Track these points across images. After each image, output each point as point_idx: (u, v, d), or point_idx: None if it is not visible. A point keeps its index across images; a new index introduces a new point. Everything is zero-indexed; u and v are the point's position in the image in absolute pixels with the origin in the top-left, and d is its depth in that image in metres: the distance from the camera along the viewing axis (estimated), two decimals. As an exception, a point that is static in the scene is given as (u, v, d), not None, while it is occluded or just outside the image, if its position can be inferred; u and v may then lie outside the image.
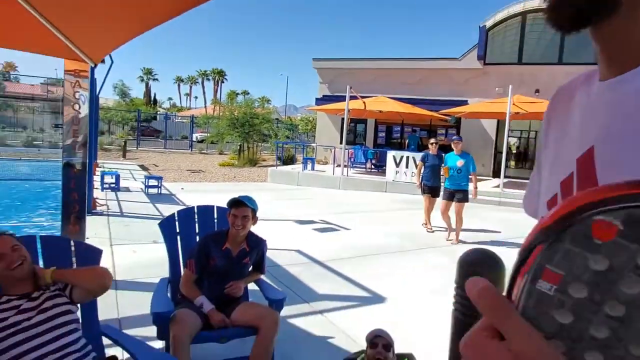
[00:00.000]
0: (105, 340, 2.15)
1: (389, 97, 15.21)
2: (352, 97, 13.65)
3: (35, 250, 2.01)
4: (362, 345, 2.34)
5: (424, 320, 3.85)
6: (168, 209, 8.17)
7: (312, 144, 21.10)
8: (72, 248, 2.30)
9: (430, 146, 7.47)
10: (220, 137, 20.94)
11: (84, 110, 4.25)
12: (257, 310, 2.53)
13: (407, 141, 16.68)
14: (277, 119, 32.47)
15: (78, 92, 4.18)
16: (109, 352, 2.17)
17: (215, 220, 3.24)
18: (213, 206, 3.29)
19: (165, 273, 3.15)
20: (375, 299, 4.34)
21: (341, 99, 15.12)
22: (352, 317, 3.83)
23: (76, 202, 4.14)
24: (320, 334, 3.46)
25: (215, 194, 11.05)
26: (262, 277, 3.00)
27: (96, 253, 2.40)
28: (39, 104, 32.12)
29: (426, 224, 7.68)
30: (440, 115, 14.64)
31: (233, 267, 2.72)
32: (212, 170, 17.61)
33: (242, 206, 2.70)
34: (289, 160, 19.32)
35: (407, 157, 12.48)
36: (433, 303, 4.23)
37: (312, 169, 15.20)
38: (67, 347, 1.81)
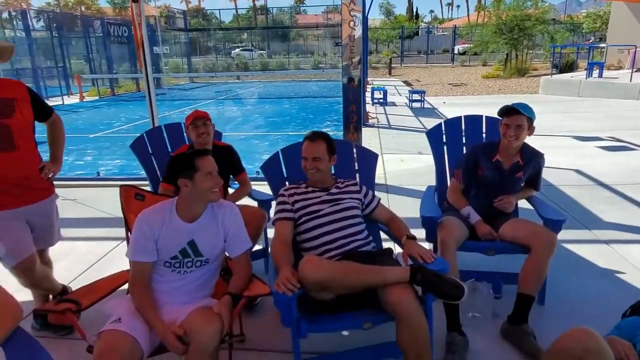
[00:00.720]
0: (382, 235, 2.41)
1: None
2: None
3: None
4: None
5: None
6: (431, 122, 8.26)
7: (602, 45, 16.93)
8: (354, 150, 2.57)
9: None
10: (484, 46, 19.26)
11: (358, 30, 4.52)
12: (530, 228, 2.30)
13: None
14: (553, 19, 27.18)
15: (353, 13, 4.44)
16: (385, 244, 2.42)
17: (484, 132, 3.03)
18: (481, 116, 3.07)
19: (431, 182, 3.23)
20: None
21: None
22: (652, 254, 3.09)
23: (354, 113, 4.61)
24: (605, 266, 2.95)
25: (477, 107, 10.46)
26: (535, 194, 2.69)
27: (373, 156, 2.63)
28: (321, 31, 36.60)
29: None
30: None
31: (503, 181, 2.52)
32: (475, 83, 16.61)
33: (516, 114, 2.40)
34: (568, 68, 16.19)
35: None
36: None
37: (600, 75, 12.33)
38: (354, 235, 2.11)
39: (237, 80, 22.89)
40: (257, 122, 10.70)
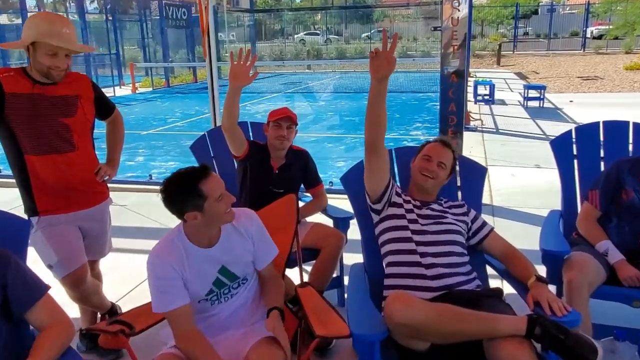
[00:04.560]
0: (489, 270, 2.34)
1: None
2: None
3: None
4: None
5: None
6: (553, 127, 7.90)
7: None
8: (456, 161, 2.53)
9: None
10: (628, 28, 18.07)
11: (463, 10, 4.44)
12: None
13: None
14: None
15: (457, -12, 4.38)
16: (492, 283, 2.35)
17: (631, 143, 2.85)
18: (627, 122, 2.90)
19: (551, 204, 3.07)
20: None
21: None
22: None
23: (454, 114, 4.53)
24: None
25: (617, 108, 9.80)
26: None
27: (480, 170, 2.58)
28: (412, 10, 36.41)
29: None
30: None
31: (658, 209, 2.34)
32: (614, 76, 15.61)
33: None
34: None
35: None
36: None
37: None
38: (456, 267, 2.08)
39: (307, 70, 23.46)
40: (330, 121, 10.89)
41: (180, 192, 1.72)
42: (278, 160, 2.86)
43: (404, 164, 2.51)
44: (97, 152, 2.48)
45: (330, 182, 5.05)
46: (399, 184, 2.54)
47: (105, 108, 2.48)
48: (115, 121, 2.58)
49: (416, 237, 2.13)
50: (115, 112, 2.56)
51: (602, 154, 2.89)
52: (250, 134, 3.37)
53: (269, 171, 2.84)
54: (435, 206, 2.26)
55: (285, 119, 2.77)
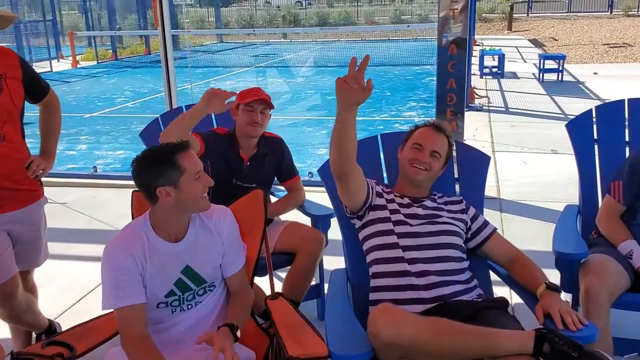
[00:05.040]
0: (493, 277, 2.37)
1: None
2: None
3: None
4: None
5: None
6: (573, 105, 7.98)
7: None
8: (453, 148, 2.56)
9: None
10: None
11: (466, -39, 4.43)
12: None
13: None
14: None
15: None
16: (497, 292, 2.38)
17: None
18: (657, 100, 2.94)
19: (571, 199, 3.11)
20: None
21: None
22: None
23: (453, 92, 4.55)
24: None
25: (648, 81, 9.95)
26: None
27: (483, 159, 2.59)
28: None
29: None
30: None
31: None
32: (646, 43, 15.78)
33: None
34: None
35: None
36: None
37: None
38: (453, 274, 2.09)
39: (283, 40, 23.35)
40: (310, 100, 10.88)
41: (155, 161, 1.79)
42: (249, 150, 2.84)
43: (393, 153, 2.51)
44: (28, 142, 2.44)
45: (310, 172, 5.06)
46: (386, 178, 2.56)
47: (37, 89, 2.44)
48: (50, 104, 2.53)
49: (404, 242, 2.14)
50: (50, 93, 2.51)
51: (627, 138, 2.91)
52: (213, 117, 3.35)
53: (239, 164, 2.82)
54: (427, 203, 2.27)
55: (259, 102, 2.74)
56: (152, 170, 1.78)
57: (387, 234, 2.17)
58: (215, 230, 1.97)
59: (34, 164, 2.36)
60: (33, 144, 2.47)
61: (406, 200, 2.26)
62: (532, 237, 3.68)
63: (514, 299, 2.24)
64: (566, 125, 2.99)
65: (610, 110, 2.99)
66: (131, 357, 1.79)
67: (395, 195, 2.28)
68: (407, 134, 2.38)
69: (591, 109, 2.99)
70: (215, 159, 2.75)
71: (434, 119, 2.33)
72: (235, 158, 2.82)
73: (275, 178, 3.00)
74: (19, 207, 2.35)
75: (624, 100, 2.97)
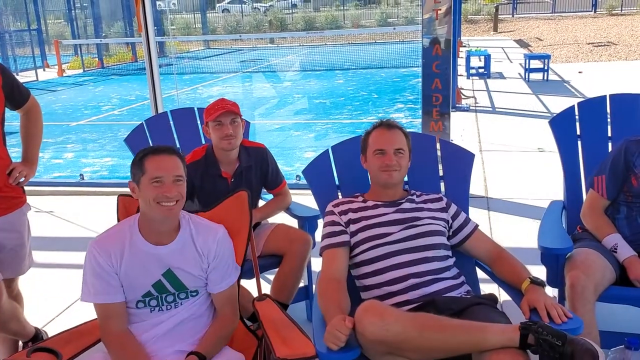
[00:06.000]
0: (482, 274, 2.38)
1: None
2: None
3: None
4: None
5: None
6: (559, 103, 8.02)
7: None
8: (437, 147, 2.56)
9: None
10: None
11: (449, -35, 4.47)
12: None
13: None
14: None
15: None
16: (485, 288, 2.39)
17: (641, 118, 2.92)
18: (638, 95, 2.96)
19: (556, 195, 3.12)
20: None
21: None
22: None
23: (438, 93, 4.57)
24: None
25: (633, 79, 10.02)
26: None
27: (466, 156, 2.60)
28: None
29: None
30: None
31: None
32: (630, 41, 15.95)
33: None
34: None
35: None
36: None
37: None
38: (437, 272, 2.10)
39: (270, 45, 23.36)
40: (297, 104, 10.86)
41: (137, 155, 1.92)
42: (230, 167, 2.79)
43: (347, 163, 2.54)
44: (11, 152, 2.43)
45: (298, 176, 5.05)
46: (341, 190, 2.56)
47: (17, 95, 2.42)
48: (31, 111, 2.52)
49: (388, 249, 2.15)
50: (31, 99, 2.50)
51: (609, 134, 2.93)
52: (198, 122, 3.35)
53: (223, 184, 2.76)
54: (406, 205, 2.26)
55: (225, 115, 2.67)
56: (132, 163, 1.92)
57: (367, 251, 2.18)
58: (200, 250, 1.97)
59: (15, 170, 2.36)
60: (17, 153, 2.46)
61: (382, 211, 2.24)
62: (520, 235, 3.71)
63: (503, 295, 2.25)
64: (549, 122, 3.01)
65: (592, 107, 2.99)
66: (111, 351, 1.85)
67: (369, 207, 2.27)
68: (362, 142, 2.37)
69: (573, 106, 3.00)
70: (199, 189, 2.74)
71: (382, 119, 2.32)
72: (217, 179, 2.77)
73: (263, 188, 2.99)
74: (1, 215, 2.34)
75: (605, 96, 2.98)
